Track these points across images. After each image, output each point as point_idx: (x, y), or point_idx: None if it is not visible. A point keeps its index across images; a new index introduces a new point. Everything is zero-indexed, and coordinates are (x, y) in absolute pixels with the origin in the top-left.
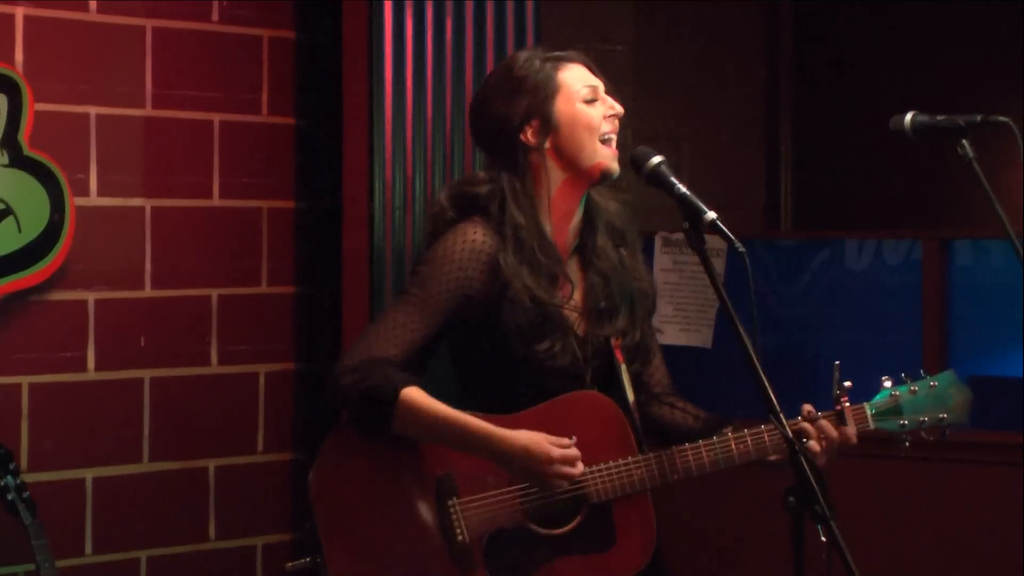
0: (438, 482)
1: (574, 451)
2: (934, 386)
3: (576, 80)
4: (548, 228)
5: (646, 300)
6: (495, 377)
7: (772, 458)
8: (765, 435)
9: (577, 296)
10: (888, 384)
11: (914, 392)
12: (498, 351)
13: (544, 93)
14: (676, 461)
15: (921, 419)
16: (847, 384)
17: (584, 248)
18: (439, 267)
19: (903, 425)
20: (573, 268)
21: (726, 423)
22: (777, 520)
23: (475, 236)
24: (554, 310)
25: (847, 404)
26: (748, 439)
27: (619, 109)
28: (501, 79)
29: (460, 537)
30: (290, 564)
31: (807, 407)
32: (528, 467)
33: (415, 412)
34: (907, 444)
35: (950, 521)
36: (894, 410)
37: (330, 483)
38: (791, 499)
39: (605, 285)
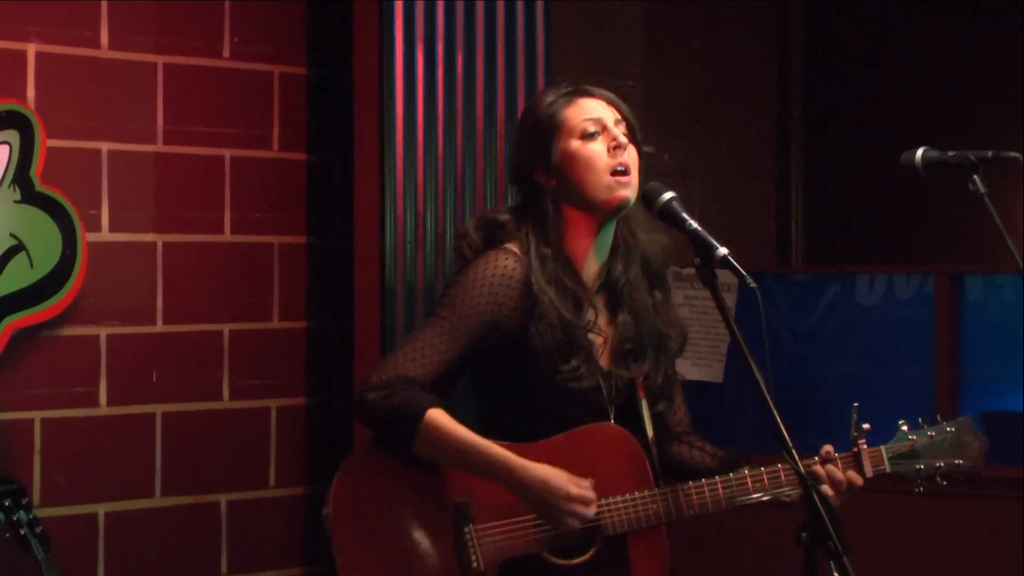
0: (456, 507)
1: (591, 492)
2: (951, 432)
3: (578, 115)
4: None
5: (673, 345)
6: (517, 402)
7: (786, 499)
8: (781, 473)
9: (603, 325)
10: (905, 428)
11: (931, 437)
12: (522, 372)
13: (548, 131)
14: (692, 496)
15: (937, 464)
16: (865, 427)
17: (613, 285)
18: (469, 292)
19: (919, 470)
20: (598, 302)
21: (743, 461)
22: (790, 556)
23: (506, 263)
24: (580, 332)
25: (864, 447)
26: (764, 477)
27: (622, 140)
28: (522, 118)
29: (475, 564)
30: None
31: (827, 448)
32: (544, 500)
33: (438, 433)
34: (921, 490)
35: (953, 555)
36: (911, 454)
37: (349, 500)
38: (804, 535)
39: (635, 327)
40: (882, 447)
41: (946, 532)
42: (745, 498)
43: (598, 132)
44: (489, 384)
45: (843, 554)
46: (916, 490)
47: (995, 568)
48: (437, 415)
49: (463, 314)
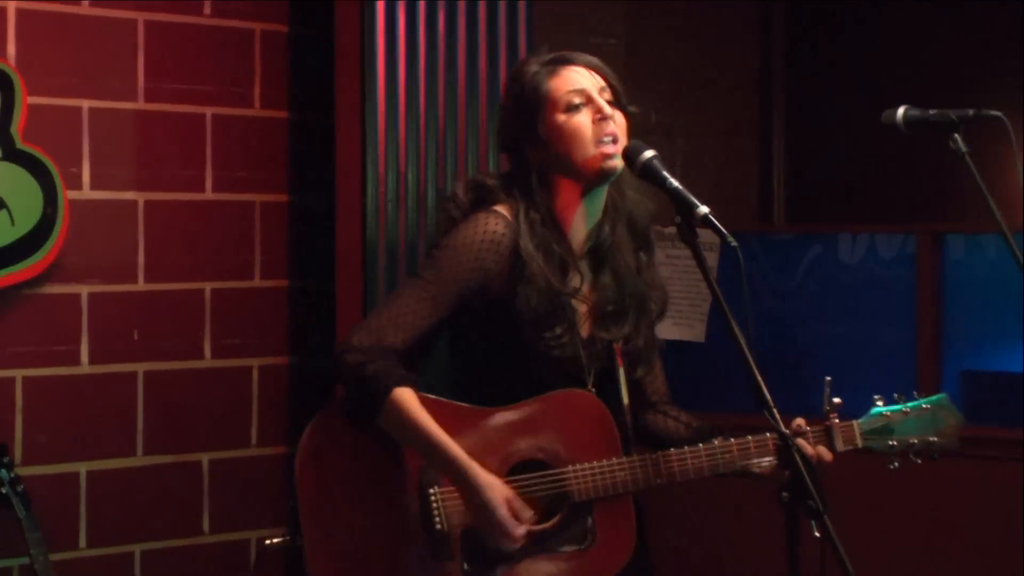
0: (422, 470)
1: (520, 529)
2: (926, 408)
3: (561, 87)
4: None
5: (655, 308)
6: (494, 364)
7: (757, 471)
8: (751, 445)
9: (587, 289)
10: (880, 403)
11: (906, 413)
12: (504, 335)
13: (532, 105)
14: (660, 466)
15: (911, 441)
16: (837, 401)
17: (599, 247)
18: (457, 255)
19: (892, 446)
20: (584, 267)
21: (716, 432)
22: (772, 516)
23: (496, 227)
24: (564, 299)
25: (836, 421)
26: (734, 448)
27: (607, 111)
28: (506, 93)
29: (439, 526)
30: (268, 541)
31: (798, 421)
32: (482, 510)
33: (400, 414)
34: (895, 466)
35: (950, 517)
36: (884, 430)
37: (315, 462)
38: (784, 494)
39: (616, 287)
40: (855, 422)
41: (946, 494)
42: (713, 469)
43: (583, 104)
44: (467, 344)
45: (823, 512)
46: (890, 466)
47: (995, 530)
48: (404, 395)
49: (449, 278)
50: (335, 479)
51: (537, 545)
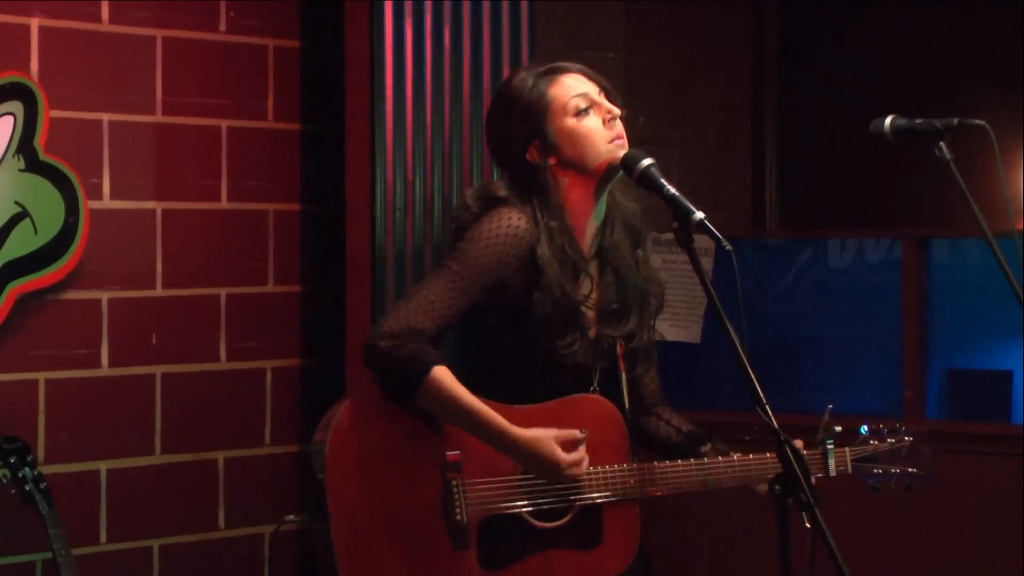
0: (446, 459)
1: (579, 454)
2: (908, 441)
3: (565, 93)
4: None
5: (654, 302)
6: (508, 364)
7: (758, 490)
8: (752, 465)
9: (594, 292)
10: (866, 431)
11: (891, 444)
12: (519, 338)
13: (537, 113)
14: (668, 477)
15: (893, 471)
16: (838, 429)
17: (604, 248)
18: (482, 246)
19: (877, 474)
20: (593, 269)
21: (707, 438)
22: (764, 508)
23: (519, 222)
24: (577, 307)
25: (832, 447)
26: (737, 466)
27: (616, 111)
28: (498, 103)
29: (459, 516)
30: (288, 517)
31: (798, 442)
32: (535, 458)
33: (441, 390)
34: (876, 491)
35: (936, 510)
36: (871, 458)
37: (344, 445)
38: (776, 487)
39: (619, 285)
40: (847, 449)
41: (947, 490)
42: (716, 483)
43: (589, 107)
44: (482, 342)
45: (815, 505)
46: (872, 492)
47: (994, 526)
48: (442, 372)
49: (474, 268)
50: (364, 460)
51: (548, 542)
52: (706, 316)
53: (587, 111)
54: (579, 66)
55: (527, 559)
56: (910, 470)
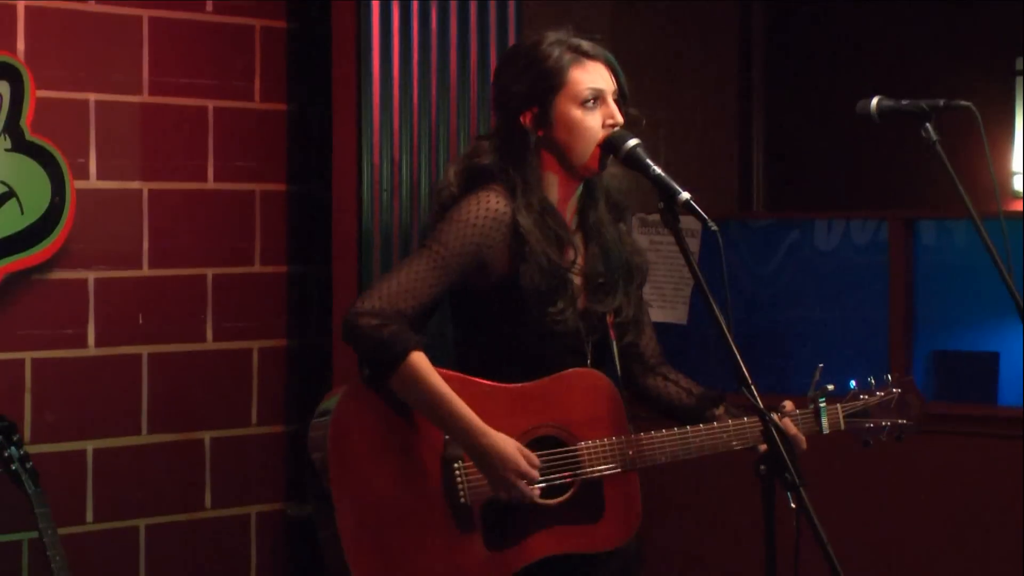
0: (447, 444)
1: (535, 473)
2: (896, 392)
3: (582, 81)
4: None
5: (640, 274)
6: (499, 340)
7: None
8: (747, 428)
9: (580, 263)
10: (855, 387)
11: (880, 397)
12: (509, 312)
13: (548, 84)
14: (665, 445)
15: (884, 424)
16: (830, 387)
17: (585, 222)
18: (461, 228)
19: (869, 428)
20: (577, 240)
21: (720, 399)
22: (750, 488)
23: (497, 204)
24: (564, 273)
25: (823, 405)
26: (731, 429)
27: (618, 119)
28: (519, 55)
29: (462, 499)
30: (289, 512)
31: (787, 403)
32: (495, 470)
33: (415, 377)
34: (869, 445)
35: (921, 490)
36: (862, 413)
37: (345, 431)
38: (762, 467)
39: (604, 259)
40: (839, 405)
41: (914, 469)
42: (713, 449)
43: (597, 103)
44: (472, 320)
45: (800, 485)
46: (864, 446)
47: (994, 507)
48: (419, 359)
49: (454, 250)
50: (365, 449)
51: (550, 518)
52: (692, 297)
53: (593, 107)
54: (610, 58)
55: (531, 536)
56: (900, 421)
